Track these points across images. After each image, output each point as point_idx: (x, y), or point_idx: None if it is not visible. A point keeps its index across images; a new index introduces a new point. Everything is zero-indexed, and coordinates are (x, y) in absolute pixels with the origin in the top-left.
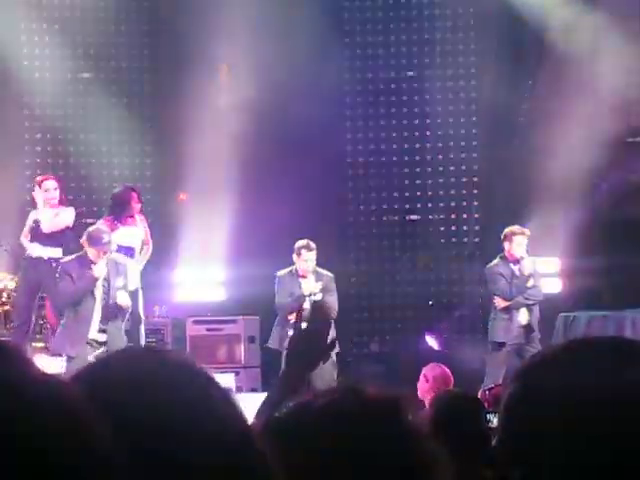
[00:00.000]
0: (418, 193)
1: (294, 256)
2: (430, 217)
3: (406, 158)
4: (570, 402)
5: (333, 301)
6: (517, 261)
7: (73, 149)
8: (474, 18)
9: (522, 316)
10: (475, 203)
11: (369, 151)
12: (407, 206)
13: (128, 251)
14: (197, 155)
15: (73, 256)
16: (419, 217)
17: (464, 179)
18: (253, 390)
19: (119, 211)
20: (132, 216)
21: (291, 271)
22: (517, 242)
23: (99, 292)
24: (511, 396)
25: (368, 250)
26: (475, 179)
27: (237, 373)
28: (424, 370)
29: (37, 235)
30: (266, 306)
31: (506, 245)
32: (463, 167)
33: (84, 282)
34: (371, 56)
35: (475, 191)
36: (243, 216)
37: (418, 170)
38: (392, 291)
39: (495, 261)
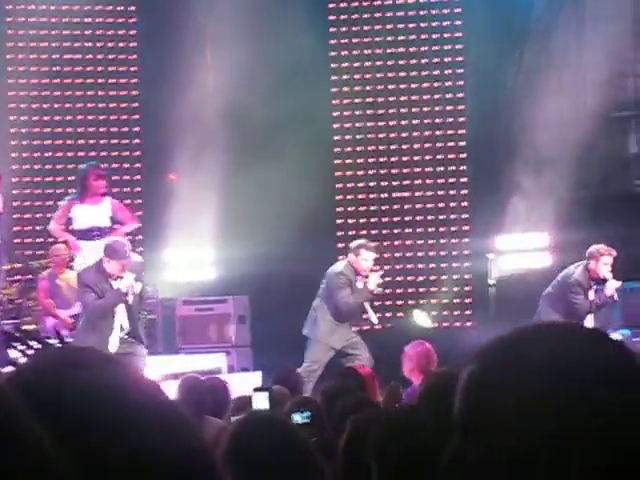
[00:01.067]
0: (406, 170)
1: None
2: (418, 194)
3: (393, 135)
4: (523, 384)
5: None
6: (601, 280)
7: (60, 129)
8: None
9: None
10: (463, 180)
11: (356, 129)
12: (395, 183)
13: (91, 232)
14: (187, 136)
15: (92, 266)
16: (407, 194)
17: (452, 155)
18: (244, 369)
19: (79, 190)
20: (95, 195)
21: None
22: (603, 262)
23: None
24: (467, 377)
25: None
26: (463, 155)
27: (228, 353)
28: (406, 348)
29: None
30: (256, 285)
31: (592, 263)
32: (451, 143)
33: (112, 298)
34: (356, 33)
35: (463, 167)
36: (232, 196)
37: (406, 147)
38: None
39: (579, 271)
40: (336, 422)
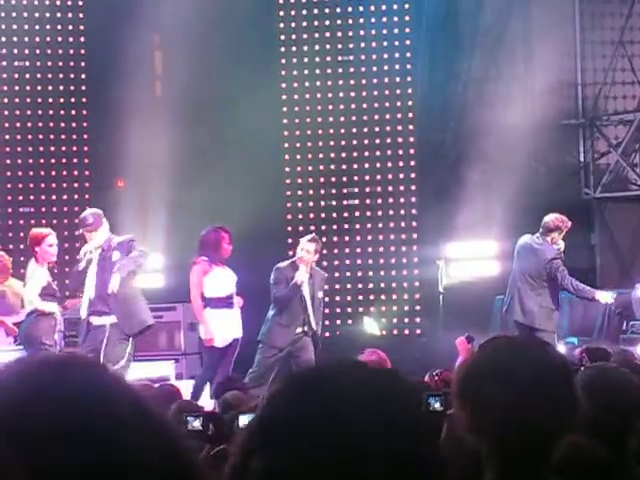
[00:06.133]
0: (355, 178)
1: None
2: (368, 201)
3: (343, 143)
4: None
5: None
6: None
7: (9, 136)
8: (410, 2)
9: None
10: (412, 187)
11: (305, 136)
12: (345, 191)
13: (227, 300)
14: (134, 142)
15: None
16: (357, 202)
17: (401, 163)
18: (193, 377)
19: (212, 253)
20: (224, 258)
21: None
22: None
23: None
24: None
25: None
26: (412, 163)
27: (177, 360)
28: (360, 357)
29: None
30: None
31: (554, 236)
32: (400, 152)
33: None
34: (308, 39)
35: (413, 175)
36: (181, 203)
37: (355, 154)
38: (330, 277)
39: (548, 248)
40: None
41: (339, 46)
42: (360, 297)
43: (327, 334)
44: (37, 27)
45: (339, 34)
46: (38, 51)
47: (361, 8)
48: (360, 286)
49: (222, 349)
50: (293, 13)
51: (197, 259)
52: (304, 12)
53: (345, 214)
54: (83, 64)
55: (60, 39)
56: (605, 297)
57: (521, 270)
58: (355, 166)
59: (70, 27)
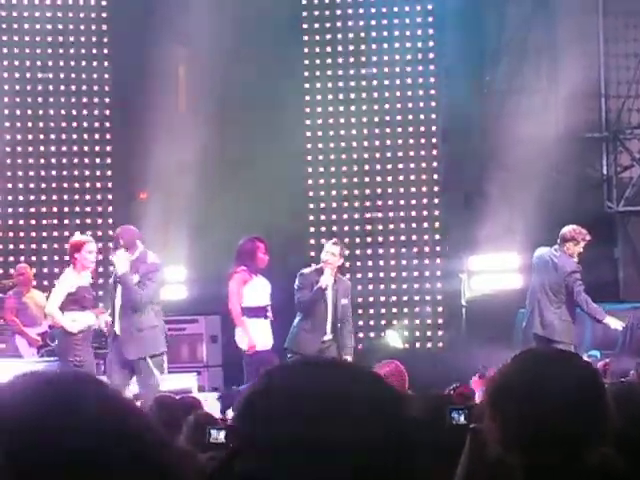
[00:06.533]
0: (379, 190)
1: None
2: (390, 214)
3: (366, 155)
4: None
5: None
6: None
7: (32, 148)
8: (433, 15)
9: None
10: (436, 201)
11: (329, 149)
12: (367, 204)
13: (264, 310)
14: (157, 154)
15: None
16: (380, 214)
17: (424, 176)
18: (215, 389)
19: (249, 263)
20: (260, 268)
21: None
22: (581, 246)
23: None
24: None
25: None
26: (435, 176)
27: (199, 372)
28: (376, 367)
29: None
30: (228, 305)
31: (569, 246)
32: (423, 164)
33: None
34: (329, 53)
35: (436, 188)
36: (203, 215)
37: (378, 167)
38: (353, 290)
39: (567, 260)
40: None
41: (362, 59)
42: (383, 310)
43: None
44: (61, 39)
45: (362, 47)
46: (62, 63)
47: (385, 21)
48: (383, 299)
49: (262, 356)
50: (317, 26)
51: (237, 268)
52: (327, 25)
53: (368, 227)
54: (107, 76)
55: (84, 51)
56: (614, 323)
57: (541, 283)
58: (378, 178)
59: (94, 39)
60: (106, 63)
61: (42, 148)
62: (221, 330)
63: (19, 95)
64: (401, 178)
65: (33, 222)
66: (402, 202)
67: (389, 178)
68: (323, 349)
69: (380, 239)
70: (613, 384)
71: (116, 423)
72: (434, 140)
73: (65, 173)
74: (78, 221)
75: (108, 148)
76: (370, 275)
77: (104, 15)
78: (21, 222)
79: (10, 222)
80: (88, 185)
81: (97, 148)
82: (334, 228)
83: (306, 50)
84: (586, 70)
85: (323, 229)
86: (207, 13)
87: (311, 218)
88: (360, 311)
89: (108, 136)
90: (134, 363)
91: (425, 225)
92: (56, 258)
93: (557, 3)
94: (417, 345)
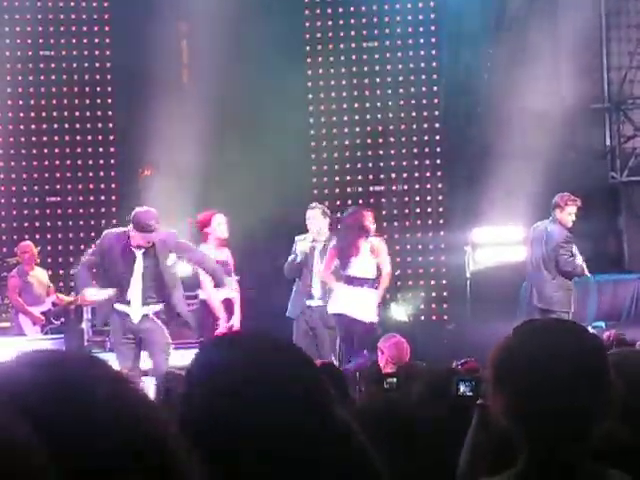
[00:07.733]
0: (381, 164)
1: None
2: (394, 187)
3: (368, 129)
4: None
5: None
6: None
7: (35, 126)
8: None
9: None
10: (439, 174)
11: (331, 123)
12: (371, 177)
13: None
14: (161, 130)
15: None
16: (383, 188)
17: (427, 149)
18: None
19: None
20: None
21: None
22: (568, 212)
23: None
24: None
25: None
26: (438, 149)
27: None
28: (379, 343)
29: None
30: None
31: (558, 212)
32: (426, 137)
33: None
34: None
35: (439, 161)
36: (207, 191)
37: (381, 141)
38: None
39: (558, 230)
40: None
41: (364, 32)
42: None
43: None
44: (62, 16)
45: (364, 20)
46: (63, 40)
47: (386, 6)
48: None
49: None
50: (318, 12)
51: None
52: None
53: (371, 200)
54: (109, 53)
55: (85, 28)
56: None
57: (536, 256)
58: (381, 152)
59: (95, 16)
60: (107, 39)
61: (44, 126)
62: None
63: (21, 73)
64: (404, 151)
65: (36, 199)
66: (405, 175)
67: (392, 151)
68: (308, 313)
69: (383, 212)
70: (612, 354)
71: (129, 409)
72: (436, 113)
73: (68, 150)
74: (81, 198)
75: (110, 124)
76: None
77: None
78: (25, 200)
79: (13, 200)
80: (91, 162)
81: (99, 124)
82: (337, 202)
83: (307, 24)
84: (588, 42)
85: (326, 203)
86: None
87: (314, 192)
88: None
89: (110, 112)
90: None
91: (428, 198)
92: (59, 236)
93: None
94: (422, 318)
